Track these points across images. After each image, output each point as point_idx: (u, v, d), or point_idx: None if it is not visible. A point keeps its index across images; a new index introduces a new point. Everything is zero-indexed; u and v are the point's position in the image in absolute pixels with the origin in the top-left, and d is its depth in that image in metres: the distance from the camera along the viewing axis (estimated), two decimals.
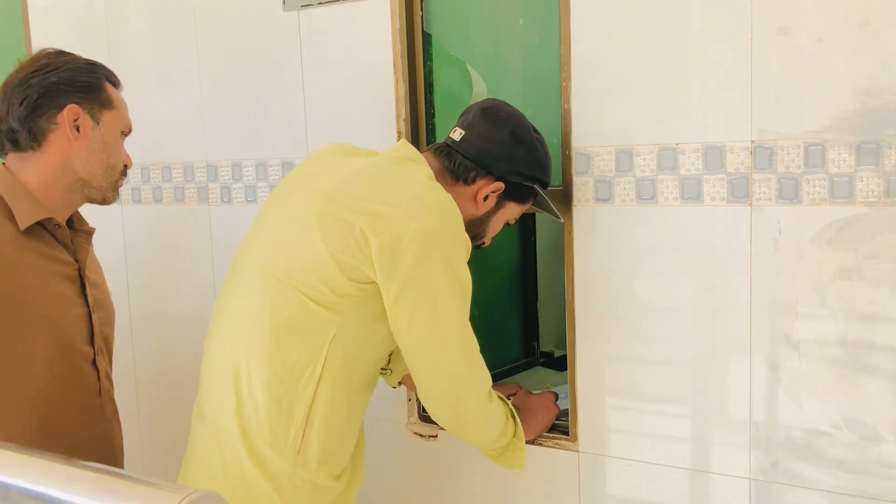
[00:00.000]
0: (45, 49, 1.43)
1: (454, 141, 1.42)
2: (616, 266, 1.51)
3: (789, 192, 1.34)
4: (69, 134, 1.38)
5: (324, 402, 1.30)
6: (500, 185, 1.41)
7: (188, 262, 2.10)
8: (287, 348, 1.28)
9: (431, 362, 1.32)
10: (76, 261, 1.44)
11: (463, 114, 1.47)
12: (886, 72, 1.25)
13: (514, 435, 1.46)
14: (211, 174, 2.02)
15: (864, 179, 1.28)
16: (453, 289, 1.29)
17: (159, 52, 2.02)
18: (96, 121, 1.41)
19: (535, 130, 1.45)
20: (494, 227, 1.49)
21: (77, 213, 1.49)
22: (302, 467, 1.31)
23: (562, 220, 1.54)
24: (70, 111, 1.37)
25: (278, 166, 1.92)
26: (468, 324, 1.34)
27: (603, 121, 1.49)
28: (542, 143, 1.45)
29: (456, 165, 1.40)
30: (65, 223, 1.44)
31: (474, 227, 1.44)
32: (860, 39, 1.26)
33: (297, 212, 1.33)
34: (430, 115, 1.74)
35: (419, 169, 1.35)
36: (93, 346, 1.45)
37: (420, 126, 1.72)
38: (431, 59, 1.73)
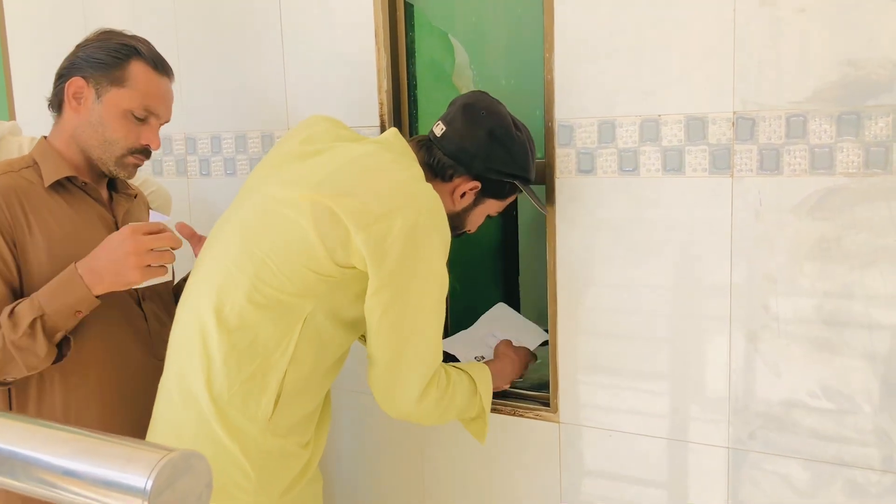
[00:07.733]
0: (104, 28, 1.52)
1: (435, 136, 1.43)
2: (598, 238, 1.51)
3: (770, 163, 1.34)
4: (70, 104, 1.47)
5: (296, 375, 1.32)
6: (477, 184, 1.44)
7: None
8: (263, 323, 1.30)
9: (392, 354, 1.34)
10: (113, 216, 1.54)
11: (449, 105, 1.47)
12: (868, 43, 1.25)
13: (482, 408, 1.49)
14: (189, 146, 1.99)
15: (845, 150, 1.29)
16: (429, 287, 1.32)
17: (136, 23, 1.98)
18: (98, 95, 1.46)
19: (518, 126, 1.45)
20: (474, 220, 1.51)
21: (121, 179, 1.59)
22: (272, 434, 1.33)
23: (546, 211, 1.55)
24: (72, 83, 1.45)
25: (258, 139, 1.90)
26: (437, 320, 1.35)
27: (586, 92, 1.48)
28: (523, 142, 1.45)
29: (435, 162, 1.42)
30: (104, 183, 1.54)
31: (453, 221, 1.46)
32: (842, 10, 1.26)
33: (286, 194, 1.34)
34: (412, 85, 1.72)
35: (411, 165, 1.37)
36: (136, 290, 1.54)
37: (402, 97, 1.71)
38: (413, 30, 1.71)
